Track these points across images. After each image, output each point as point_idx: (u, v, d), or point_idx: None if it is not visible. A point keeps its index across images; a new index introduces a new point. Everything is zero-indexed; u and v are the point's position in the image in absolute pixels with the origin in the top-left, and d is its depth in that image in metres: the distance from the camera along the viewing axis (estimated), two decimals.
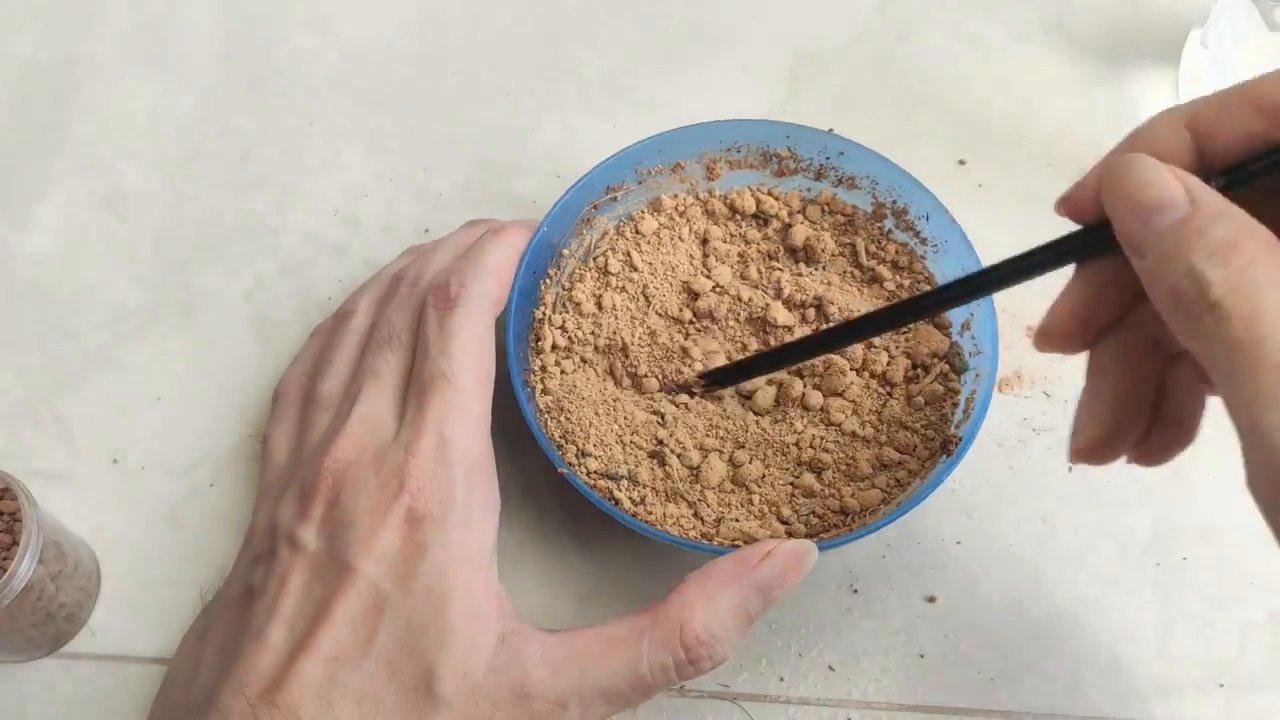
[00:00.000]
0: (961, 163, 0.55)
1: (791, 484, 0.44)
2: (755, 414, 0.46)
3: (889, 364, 0.46)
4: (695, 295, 0.48)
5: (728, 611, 0.34)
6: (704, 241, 0.50)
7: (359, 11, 0.60)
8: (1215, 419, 0.49)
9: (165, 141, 0.56)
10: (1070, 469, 0.48)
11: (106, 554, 0.46)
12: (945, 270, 0.47)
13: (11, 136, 0.56)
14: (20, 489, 0.40)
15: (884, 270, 0.49)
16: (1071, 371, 0.50)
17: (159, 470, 0.48)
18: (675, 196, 0.50)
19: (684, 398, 0.46)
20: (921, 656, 0.44)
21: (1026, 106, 0.57)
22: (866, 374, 0.46)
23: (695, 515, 0.43)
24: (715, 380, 0.45)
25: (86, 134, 0.56)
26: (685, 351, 0.47)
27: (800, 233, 0.49)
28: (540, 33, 0.59)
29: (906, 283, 0.48)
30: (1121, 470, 0.48)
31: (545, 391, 0.46)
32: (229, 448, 0.49)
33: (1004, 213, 0.54)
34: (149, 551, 0.46)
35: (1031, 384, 0.50)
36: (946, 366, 0.46)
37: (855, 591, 0.46)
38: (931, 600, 0.45)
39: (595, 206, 0.49)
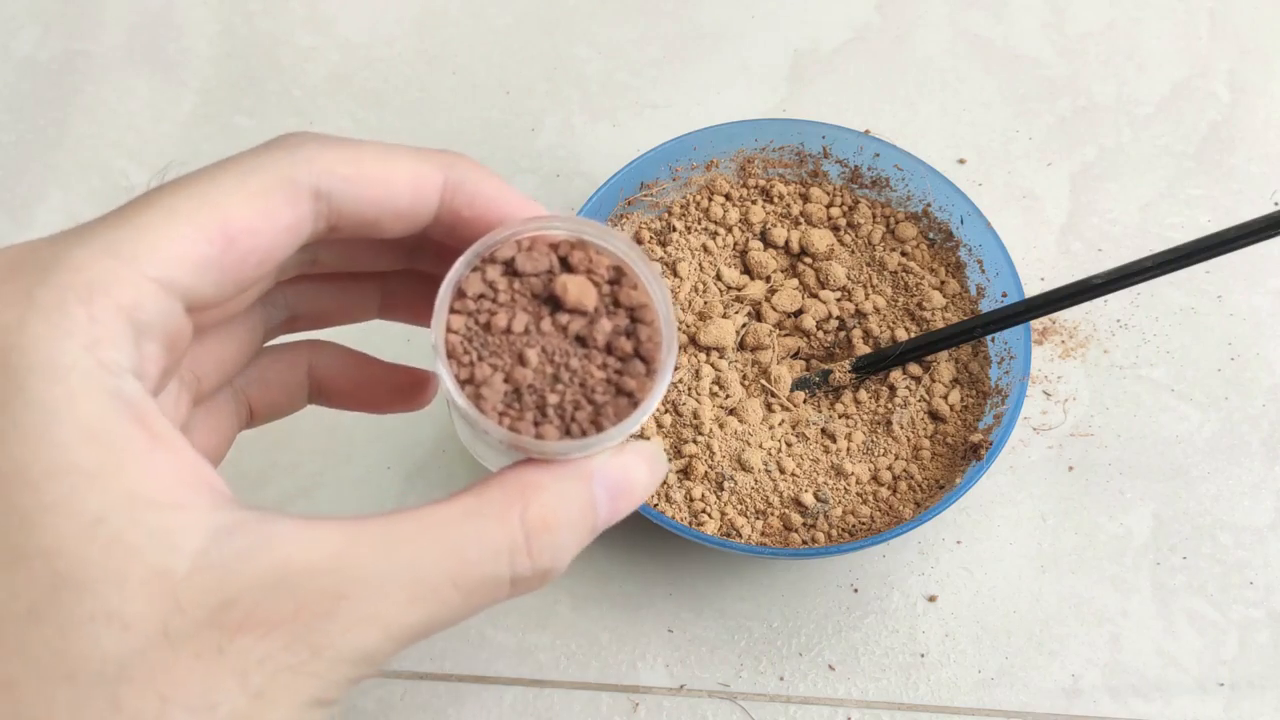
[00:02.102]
0: (961, 162, 0.55)
1: (817, 490, 0.44)
2: (792, 412, 0.46)
3: (945, 396, 0.46)
4: (726, 298, 0.49)
5: (576, 502, 0.25)
6: (736, 243, 0.50)
7: (359, 11, 0.60)
8: (1215, 421, 0.49)
9: (165, 140, 0.56)
10: (1070, 469, 0.48)
11: None
12: (979, 274, 0.48)
13: (11, 135, 0.56)
14: None
15: (917, 273, 0.49)
16: (1071, 372, 0.50)
17: None
18: (709, 197, 0.50)
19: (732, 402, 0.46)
20: (921, 656, 0.44)
21: (1026, 105, 0.57)
22: (917, 399, 0.46)
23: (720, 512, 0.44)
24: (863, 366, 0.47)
25: (86, 132, 0.56)
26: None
27: (833, 236, 0.49)
28: (540, 33, 0.59)
29: (940, 284, 0.49)
30: (1121, 470, 0.48)
31: None
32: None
33: (1004, 212, 0.54)
34: None
35: (1032, 384, 0.50)
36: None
37: (855, 591, 0.45)
38: (932, 600, 0.45)
39: (629, 203, 0.49)
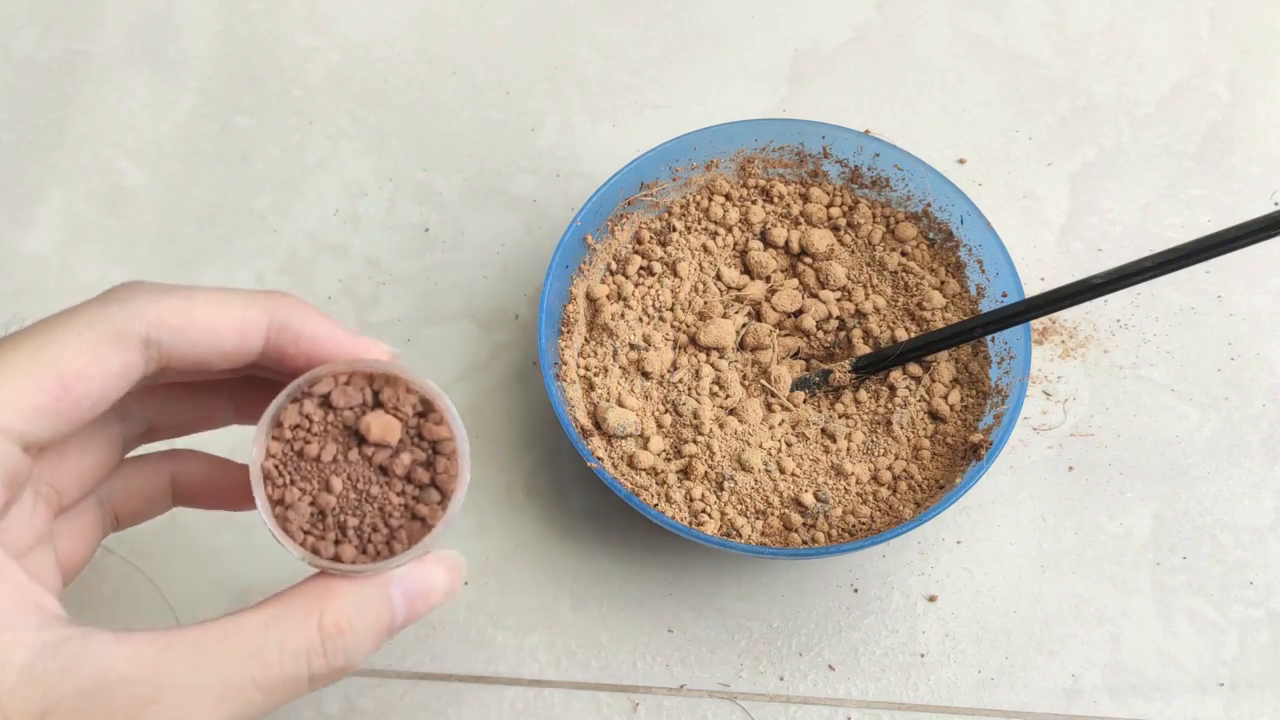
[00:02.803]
0: (961, 162, 0.55)
1: (817, 490, 0.44)
2: (792, 412, 0.46)
3: (945, 396, 0.46)
4: (727, 298, 0.49)
5: (372, 607, 0.28)
6: (736, 243, 0.50)
7: (359, 11, 0.60)
8: (1215, 421, 0.49)
9: (165, 140, 0.56)
10: (1070, 469, 0.48)
11: (106, 554, 0.46)
12: (979, 274, 0.48)
13: (11, 135, 0.56)
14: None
15: (917, 273, 0.49)
16: (1071, 372, 0.50)
17: None
18: (709, 197, 0.50)
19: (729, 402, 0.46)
20: (921, 656, 0.44)
21: (1026, 105, 0.57)
22: (917, 399, 0.46)
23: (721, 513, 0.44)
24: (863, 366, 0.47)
25: (86, 132, 0.56)
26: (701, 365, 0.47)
27: (833, 236, 0.49)
28: (540, 33, 0.59)
29: (940, 284, 0.49)
30: (1121, 470, 0.48)
31: (572, 382, 0.46)
32: (228, 448, 0.49)
33: (1004, 212, 0.54)
34: (149, 551, 0.46)
35: (1032, 384, 0.50)
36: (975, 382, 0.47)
37: (855, 591, 0.45)
38: (932, 600, 0.45)
39: (629, 203, 0.49)
